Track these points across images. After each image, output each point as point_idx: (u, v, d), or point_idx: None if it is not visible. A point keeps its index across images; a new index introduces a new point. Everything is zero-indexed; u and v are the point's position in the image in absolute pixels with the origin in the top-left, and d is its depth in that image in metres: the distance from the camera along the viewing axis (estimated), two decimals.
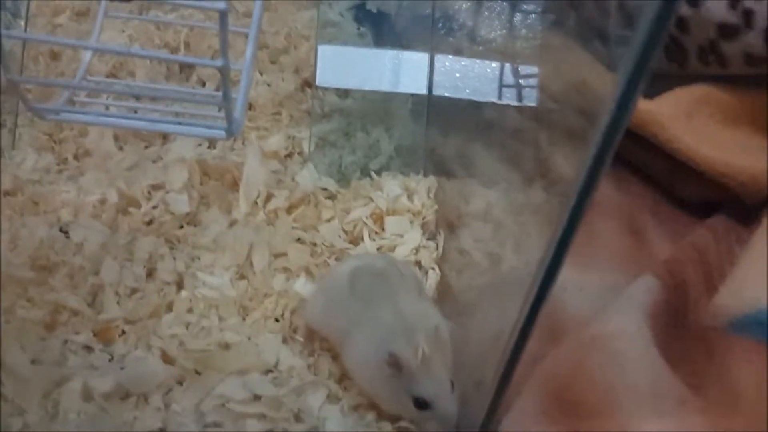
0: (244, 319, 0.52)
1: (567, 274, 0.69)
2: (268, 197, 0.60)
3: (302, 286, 0.55)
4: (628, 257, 0.71)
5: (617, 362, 0.55)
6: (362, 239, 0.58)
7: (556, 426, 0.49)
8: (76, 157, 0.63)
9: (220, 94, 0.42)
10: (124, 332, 0.51)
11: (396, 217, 0.59)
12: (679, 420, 0.51)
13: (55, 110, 0.42)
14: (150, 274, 0.55)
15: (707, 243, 0.70)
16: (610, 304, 0.61)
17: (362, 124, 0.67)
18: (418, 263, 0.57)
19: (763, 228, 0.64)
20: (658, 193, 0.80)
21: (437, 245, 0.59)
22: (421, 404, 0.46)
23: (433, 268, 0.57)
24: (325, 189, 0.61)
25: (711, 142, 0.72)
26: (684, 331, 0.62)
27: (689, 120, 0.74)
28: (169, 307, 0.53)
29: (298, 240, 0.58)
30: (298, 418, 0.47)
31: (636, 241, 0.74)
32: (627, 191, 0.79)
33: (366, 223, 0.58)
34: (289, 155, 0.65)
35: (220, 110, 0.44)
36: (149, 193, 0.58)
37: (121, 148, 0.63)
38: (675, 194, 0.79)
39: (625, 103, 0.28)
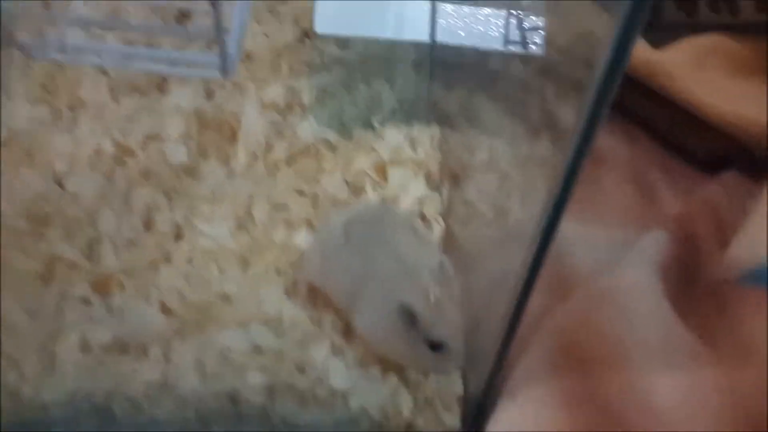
0: (244, 271, 0.51)
1: (574, 229, 0.68)
2: (268, 148, 0.58)
3: (304, 238, 0.53)
4: (637, 212, 0.70)
5: (627, 317, 0.54)
6: (365, 190, 0.56)
7: (564, 379, 0.48)
8: (70, 108, 0.61)
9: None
10: (122, 284, 0.50)
11: (399, 167, 0.57)
12: (692, 374, 0.50)
13: (45, 48, 0.40)
14: (148, 225, 0.53)
15: (719, 198, 0.68)
16: (620, 259, 0.60)
17: (363, 76, 0.65)
18: (423, 215, 0.56)
19: None
20: (669, 149, 0.78)
21: (441, 196, 0.57)
22: (436, 346, 0.45)
23: (437, 220, 0.56)
24: (326, 140, 0.60)
25: (721, 93, 0.71)
26: (695, 286, 0.61)
27: (699, 70, 0.72)
28: (168, 259, 0.51)
29: (299, 192, 0.56)
30: (301, 370, 0.46)
31: (645, 196, 0.73)
32: (636, 147, 0.77)
33: (368, 174, 0.56)
34: (289, 107, 0.63)
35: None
36: (146, 143, 0.57)
37: (116, 100, 0.61)
38: (686, 150, 0.77)
39: (622, 45, 0.26)
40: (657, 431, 0.45)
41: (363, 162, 0.57)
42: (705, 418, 0.47)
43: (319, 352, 0.47)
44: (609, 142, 0.76)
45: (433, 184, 0.58)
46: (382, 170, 0.57)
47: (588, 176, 0.74)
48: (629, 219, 0.69)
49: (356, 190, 0.57)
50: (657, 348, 0.52)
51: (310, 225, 0.55)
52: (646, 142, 0.78)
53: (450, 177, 0.59)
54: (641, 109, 0.77)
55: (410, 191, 0.56)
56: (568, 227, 0.67)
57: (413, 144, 0.59)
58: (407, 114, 0.63)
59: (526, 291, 0.39)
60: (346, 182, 0.57)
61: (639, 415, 0.46)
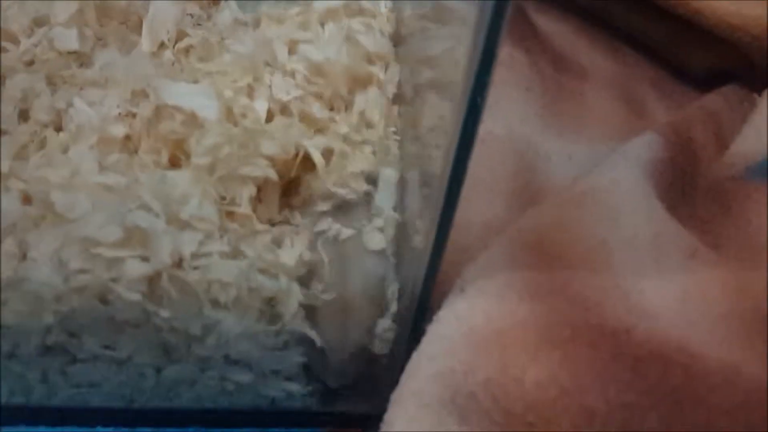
0: (130, 159, 0.41)
1: (552, 144, 0.58)
2: (180, 36, 0.49)
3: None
4: (625, 127, 0.61)
5: (610, 216, 0.44)
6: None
7: (529, 271, 0.38)
8: None
9: None
10: None
11: (335, 23, 0.47)
12: (690, 274, 0.40)
13: None
14: (23, 114, 0.44)
15: (719, 106, 0.59)
16: (603, 161, 0.51)
17: None
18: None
19: None
20: (660, 66, 0.69)
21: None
22: None
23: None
24: (253, 22, 0.50)
25: None
26: (694, 192, 0.51)
27: None
28: (41, 147, 0.42)
29: (208, 74, 0.46)
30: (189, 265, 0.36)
31: (633, 111, 0.64)
32: (623, 63, 0.68)
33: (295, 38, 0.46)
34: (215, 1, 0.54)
35: None
36: (31, 29, 0.48)
37: None
38: (679, 66, 0.68)
39: None
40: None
41: (289, 29, 0.47)
42: (709, 322, 0.37)
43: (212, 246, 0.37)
44: (592, 57, 0.67)
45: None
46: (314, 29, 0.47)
47: (569, 91, 0.65)
48: (615, 133, 0.60)
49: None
50: (647, 247, 0.42)
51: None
52: (635, 59, 0.69)
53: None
54: (628, 22, 0.69)
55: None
56: (544, 140, 0.58)
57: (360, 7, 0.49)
58: None
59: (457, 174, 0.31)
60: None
61: (625, 313, 0.36)
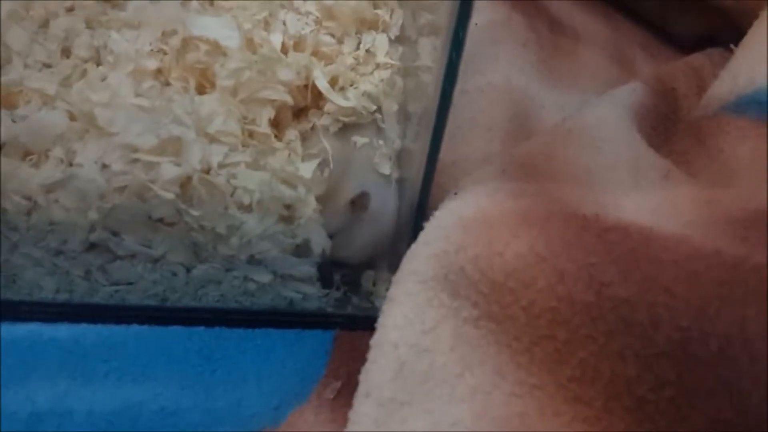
0: (163, 87, 0.46)
1: (547, 94, 0.63)
2: None
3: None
4: (615, 82, 0.66)
5: (594, 147, 0.49)
6: None
7: (518, 182, 0.42)
8: None
9: None
10: (29, 98, 0.45)
11: None
12: (663, 190, 0.45)
13: None
14: (65, 51, 0.49)
15: (702, 63, 0.63)
16: (590, 103, 0.55)
17: None
18: None
19: (762, 20, 0.57)
20: (650, 32, 0.74)
21: None
22: None
23: None
24: None
25: None
26: (674, 135, 0.56)
27: None
28: (82, 77, 0.47)
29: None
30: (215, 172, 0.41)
31: (623, 70, 0.68)
32: (615, 27, 0.73)
33: None
34: None
35: None
36: None
37: None
38: (668, 32, 0.73)
39: None
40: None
41: None
42: (677, 226, 0.41)
43: (237, 157, 0.42)
44: (586, 22, 0.72)
45: None
46: None
47: (563, 50, 0.70)
48: (606, 87, 0.64)
49: None
50: (625, 171, 0.47)
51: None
52: (626, 24, 0.74)
53: None
54: None
55: None
56: (538, 91, 0.63)
57: None
58: None
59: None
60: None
61: (598, 207, 0.40)
